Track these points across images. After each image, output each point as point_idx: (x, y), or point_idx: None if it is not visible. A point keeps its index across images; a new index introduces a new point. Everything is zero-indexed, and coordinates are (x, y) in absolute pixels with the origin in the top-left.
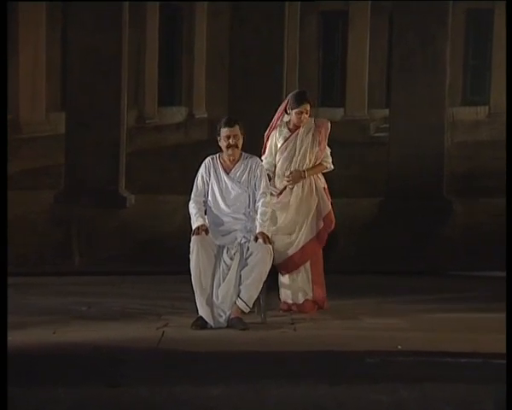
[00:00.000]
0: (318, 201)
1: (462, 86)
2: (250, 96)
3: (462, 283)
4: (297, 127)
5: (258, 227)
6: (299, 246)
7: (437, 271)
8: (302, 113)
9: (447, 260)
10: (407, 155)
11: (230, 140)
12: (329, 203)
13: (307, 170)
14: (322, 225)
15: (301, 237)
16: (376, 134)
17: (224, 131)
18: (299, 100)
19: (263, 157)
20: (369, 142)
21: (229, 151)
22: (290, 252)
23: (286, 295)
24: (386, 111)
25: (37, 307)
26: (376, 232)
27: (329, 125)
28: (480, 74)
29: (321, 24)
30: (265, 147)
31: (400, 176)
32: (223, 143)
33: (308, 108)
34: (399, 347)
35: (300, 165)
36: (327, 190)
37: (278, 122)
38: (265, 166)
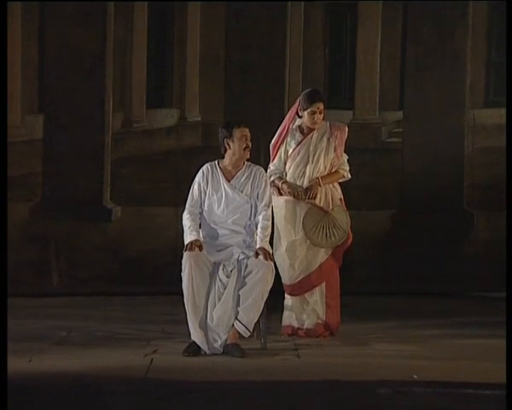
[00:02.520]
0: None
1: (485, 86)
2: (249, 97)
3: (484, 305)
4: (311, 130)
5: (258, 242)
6: (316, 265)
7: (456, 292)
8: (315, 113)
9: (468, 279)
10: (423, 162)
11: (247, 141)
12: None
13: (322, 178)
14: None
15: (318, 255)
16: (389, 139)
17: (241, 131)
18: (312, 98)
19: (270, 164)
20: (380, 148)
21: (246, 153)
22: (306, 271)
23: (291, 318)
24: (400, 114)
25: (10, 331)
26: (388, 249)
27: (346, 129)
28: (505, 73)
29: (327, 17)
30: (274, 156)
31: (415, 186)
32: (239, 145)
33: (321, 107)
34: (415, 376)
35: (315, 172)
36: (343, 202)
37: (290, 127)
38: (272, 172)
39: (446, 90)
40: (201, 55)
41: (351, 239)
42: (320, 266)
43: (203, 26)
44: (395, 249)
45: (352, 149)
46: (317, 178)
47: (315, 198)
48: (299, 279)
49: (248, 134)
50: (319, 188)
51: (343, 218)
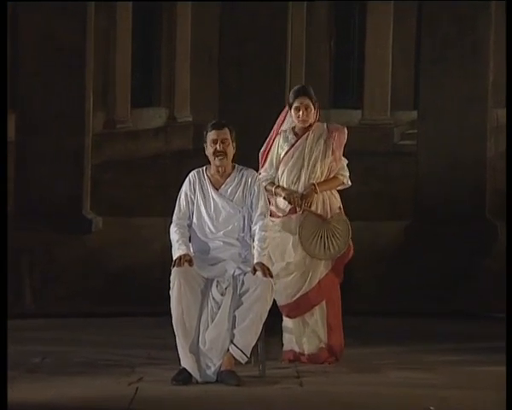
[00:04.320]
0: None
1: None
2: (245, 95)
3: (505, 328)
4: (305, 131)
5: (255, 256)
6: (314, 282)
7: (477, 312)
8: (300, 109)
9: (490, 298)
10: (440, 167)
11: (218, 145)
12: None
13: (319, 184)
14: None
15: (316, 271)
16: (402, 142)
17: (211, 135)
18: (296, 93)
19: (261, 170)
20: (392, 151)
21: (217, 160)
22: (303, 290)
23: (292, 341)
24: (414, 113)
25: None
26: (400, 264)
27: (346, 131)
28: None
29: (333, 7)
30: (264, 163)
31: (431, 193)
32: (209, 150)
33: (306, 102)
34: (432, 408)
35: (310, 178)
36: (342, 211)
37: (282, 128)
38: (263, 179)
39: (466, 86)
40: (192, 49)
41: (352, 251)
42: (319, 282)
43: (194, 16)
44: (407, 265)
45: (361, 152)
46: (313, 184)
47: (310, 206)
48: (295, 298)
49: (222, 137)
50: (315, 195)
51: (343, 227)
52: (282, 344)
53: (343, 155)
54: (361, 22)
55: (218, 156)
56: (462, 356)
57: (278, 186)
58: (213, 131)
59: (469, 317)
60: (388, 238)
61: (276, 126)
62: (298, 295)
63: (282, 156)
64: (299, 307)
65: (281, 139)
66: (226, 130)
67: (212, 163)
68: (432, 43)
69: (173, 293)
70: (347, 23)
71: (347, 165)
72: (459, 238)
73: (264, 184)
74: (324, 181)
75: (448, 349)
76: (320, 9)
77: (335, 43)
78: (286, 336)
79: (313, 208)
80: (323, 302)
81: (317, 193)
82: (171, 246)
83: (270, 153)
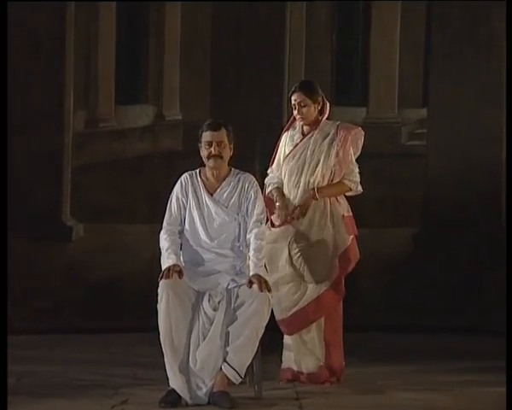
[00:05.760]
0: (334, 234)
1: None
2: (241, 92)
3: None
4: (311, 130)
5: (251, 268)
6: (314, 295)
7: (492, 329)
8: (296, 106)
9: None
10: (451, 170)
11: (213, 148)
12: (350, 237)
13: (319, 189)
14: (337, 266)
15: (314, 284)
16: (410, 142)
17: (206, 136)
18: (293, 89)
19: (269, 170)
20: (399, 152)
21: (211, 163)
22: (299, 305)
23: (291, 359)
24: (424, 111)
25: None
26: (408, 275)
27: (360, 132)
28: None
29: None
30: (272, 162)
31: (442, 198)
32: (204, 153)
33: (301, 98)
34: None
35: (311, 183)
36: (350, 220)
37: (289, 126)
38: (270, 180)
39: (480, 83)
40: (183, 41)
41: (351, 263)
42: (318, 297)
43: (185, 5)
44: (416, 276)
45: (366, 153)
46: (313, 188)
47: (305, 214)
48: (292, 312)
49: (217, 139)
50: (314, 202)
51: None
52: (282, 362)
53: (355, 160)
54: (365, 13)
55: (211, 159)
56: (479, 376)
57: (282, 196)
58: (208, 132)
59: (483, 333)
60: (395, 247)
61: (289, 122)
62: (294, 310)
63: (285, 157)
64: (295, 323)
65: (288, 137)
66: (223, 131)
67: (206, 166)
68: (442, 36)
69: (161, 307)
70: (350, 14)
71: (358, 170)
72: (472, 247)
73: (270, 187)
74: (327, 186)
75: (460, 369)
76: (321, 1)
77: (338, 35)
78: (285, 354)
79: (306, 218)
80: (322, 319)
81: (316, 199)
82: (159, 255)
83: (278, 152)
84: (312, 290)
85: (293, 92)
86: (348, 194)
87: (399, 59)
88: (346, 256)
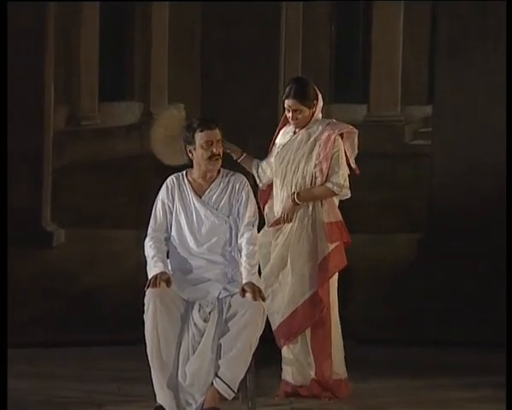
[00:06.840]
0: (314, 242)
1: None
2: (233, 86)
3: None
4: (300, 128)
5: (244, 275)
6: (292, 308)
7: (500, 342)
8: (289, 110)
9: None
10: (458, 171)
11: (214, 148)
12: (330, 245)
13: (300, 194)
14: (316, 276)
15: (296, 292)
16: (414, 142)
17: (203, 136)
18: (286, 93)
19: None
20: (403, 152)
21: (213, 165)
22: (282, 315)
23: (288, 372)
24: (429, 109)
25: None
26: (412, 284)
27: (353, 131)
28: None
29: None
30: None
31: (448, 202)
32: (202, 154)
33: (296, 106)
34: None
35: (293, 186)
36: (335, 227)
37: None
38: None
39: (488, 79)
40: (171, 33)
41: (329, 272)
42: (297, 309)
43: None
44: (420, 285)
45: (367, 153)
46: (293, 193)
47: (290, 220)
48: (278, 324)
49: (216, 138)
50: (295, 207)
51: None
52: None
53: (346, 162)
54: (367, 5)
55: (212, 160)
56: (482, 392)
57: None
58: (206, 132)
59: (492, 347)
60: (398, 253)
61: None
62: (280, 321)
63: (274, 156)
64: (280, 335)
65: (281, 134)
66: (217, 128)
67: (197, 168)
68: (449, 29)
69: (148, 318)
70: (350, 5)
71: (347, 173)
72: (479, 253)
73: (260, 185)
74: (308, 190)
75: (466, 385)
76: None
77: (337, 27)
78: (283, 367)
79: (284, 231)
80: (308, 329)
81: (297, 204)
82: (145, 263)
83: (272, 149)
84: (291, 303)
85: (287, 97)
86: (337, 198)
87: (402, 53)
88: (325, 265)
